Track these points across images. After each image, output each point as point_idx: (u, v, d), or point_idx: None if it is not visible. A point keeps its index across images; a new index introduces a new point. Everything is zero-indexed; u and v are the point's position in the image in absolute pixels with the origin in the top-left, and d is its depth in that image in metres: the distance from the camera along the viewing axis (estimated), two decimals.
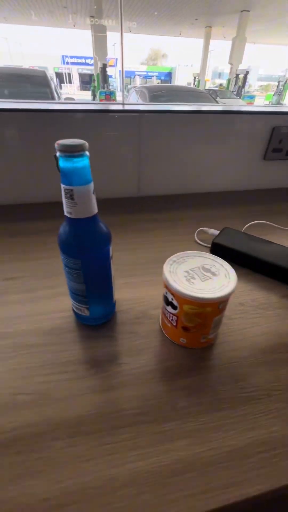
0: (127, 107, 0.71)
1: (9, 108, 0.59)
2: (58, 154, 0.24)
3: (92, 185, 0.26)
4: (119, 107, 0.71)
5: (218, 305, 0.29)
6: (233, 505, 0.21)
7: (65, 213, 0.27)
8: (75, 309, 0.35)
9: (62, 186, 0.26)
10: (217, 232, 0.54)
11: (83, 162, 0.25)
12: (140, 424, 0.26)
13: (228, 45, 10.69)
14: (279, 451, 0.24)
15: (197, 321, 0.30)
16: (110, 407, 0.27)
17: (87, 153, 0.25)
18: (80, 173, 0.25)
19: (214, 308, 0.29)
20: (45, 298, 0.40)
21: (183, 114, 0.68)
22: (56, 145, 0.24)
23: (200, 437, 0.25)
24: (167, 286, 0.30)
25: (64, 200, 0.26)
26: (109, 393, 0.29)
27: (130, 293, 0.42)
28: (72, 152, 0.24)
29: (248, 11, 9.57)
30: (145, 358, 0.32)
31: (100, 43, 9.37)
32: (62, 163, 0.24)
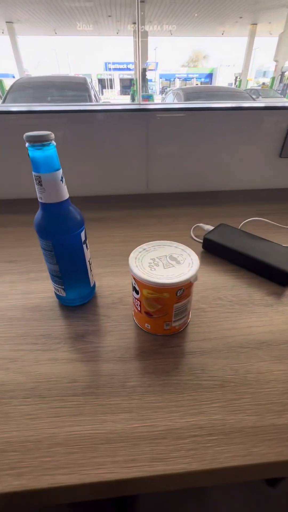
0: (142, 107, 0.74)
1: (18, 110, 0.66)
2: (27, 144, 0.27)
3: (59, 172, 0.29)
4: (136, 107, 0.73)
5: (175, 292, 0.30)
6: (152, 478, 0.22)
7: (38, 198, 0.30)
8: (54, 290, 0.39)
9: (33, 173, 0.29)
10: (211, 228, 0.53)
11: (49, 151, 0.28)
12: (89, 395, 0.28)
13: (274, 42, 10.16)
14: (215, 437, 0.24)
15: (157, 306, 0.31)
16: (66, 377, 0.30)
17: (53, 142, 0.28)
18: (46, 161, 0.28)
19: (172, 295, 0.30)
20: (35, 279, 0.44)
21: (193, 111, 0.68)
22: (24, 137, 0.27)
23: (141, 414, 0.26)
24: (130, 272, 0.32)
25: (35, 187, 0.30)
26: (69, 365, 0.31)
27: (113, 280, 0.44)
28: (36, 142, 0.27)
29: None
30: (110, 339, 0.34)
31: (141, 48, 9.59)
32: (30, 153, 0.27)
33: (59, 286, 0.36)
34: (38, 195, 0.30)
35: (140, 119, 0.67)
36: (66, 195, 0.31)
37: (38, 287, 0.43)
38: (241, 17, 10.76)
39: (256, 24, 11.67)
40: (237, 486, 0.64)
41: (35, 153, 0.27)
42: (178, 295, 0.30)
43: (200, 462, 0.23)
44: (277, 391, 0.28)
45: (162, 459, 0.23)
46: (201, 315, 0.37)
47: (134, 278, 0.31)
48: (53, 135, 0.27)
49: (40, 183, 0.29)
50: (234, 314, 0.37)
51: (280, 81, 10.54)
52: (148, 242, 0.35)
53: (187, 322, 0.36)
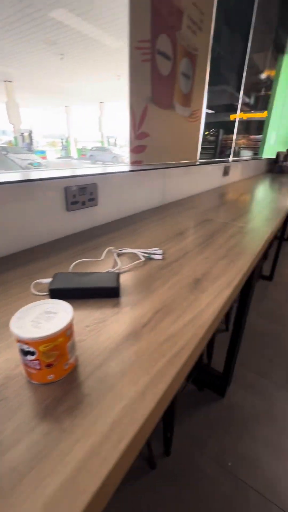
0: None
1: None
2: None
3: None
4: None
5: (65, 333, 0.38)
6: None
7: None
8: None
9: None
10: (50, 279, 0.63)
11: None
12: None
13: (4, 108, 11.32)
14: None
15: (56, 354, 0.38)
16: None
17: None
18: None
19: (64, 337, 0.38)
20: None
21: None
22: None
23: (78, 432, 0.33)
24: (20, 340, 0.36)
25: None
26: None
27: None
28: None
29: (11, 81, 10.64)
30: (22, 414, 0.35)
31: None
32: None
33: None
34: None
35: None
36: None
37: None
38: None
39: None
40: None
41: None
42: (67, 335, 0.39)
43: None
44: (146, 355, 0.45)
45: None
46: (82, 344, 0.47)
47: (26, 343, 0.36)
48: None
49: None
50: (102, 330, 0.51)
51: (23, 140, 12.05)
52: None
53: (76, 355, 0.44)
